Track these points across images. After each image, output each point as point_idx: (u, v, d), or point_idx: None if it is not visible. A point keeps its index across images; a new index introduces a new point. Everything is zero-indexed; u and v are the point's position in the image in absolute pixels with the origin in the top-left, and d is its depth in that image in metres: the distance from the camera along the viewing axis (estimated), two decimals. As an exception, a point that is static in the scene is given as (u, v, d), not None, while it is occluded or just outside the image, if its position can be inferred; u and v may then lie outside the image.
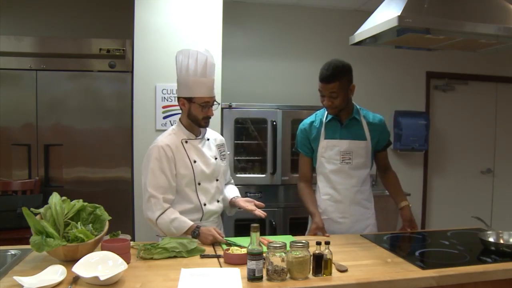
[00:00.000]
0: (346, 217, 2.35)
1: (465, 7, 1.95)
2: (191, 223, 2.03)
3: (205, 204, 2.15)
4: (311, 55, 4.38)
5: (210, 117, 2.12)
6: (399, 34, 1.97)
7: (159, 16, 3.24)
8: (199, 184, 2.13)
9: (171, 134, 2.15)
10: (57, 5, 3.87)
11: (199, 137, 2.18)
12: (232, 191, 2.33)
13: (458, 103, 4.91)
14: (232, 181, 2.46)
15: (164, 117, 3.28)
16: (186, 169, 2.10)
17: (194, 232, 2.01)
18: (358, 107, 2.39)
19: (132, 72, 3.30)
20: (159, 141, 2.11)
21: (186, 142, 2.14)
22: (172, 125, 3.27)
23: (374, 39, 2.13)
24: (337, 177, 2.34)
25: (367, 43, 2.22)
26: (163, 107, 3.27)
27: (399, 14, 1.81)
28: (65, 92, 3.32)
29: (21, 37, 3.28)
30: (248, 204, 2.18)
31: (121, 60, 3.34)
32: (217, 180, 2.20)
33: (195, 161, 2.12)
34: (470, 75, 4.88)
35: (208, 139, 2.23)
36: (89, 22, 3.88)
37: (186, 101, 2.09)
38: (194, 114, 2.09)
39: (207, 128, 2.25)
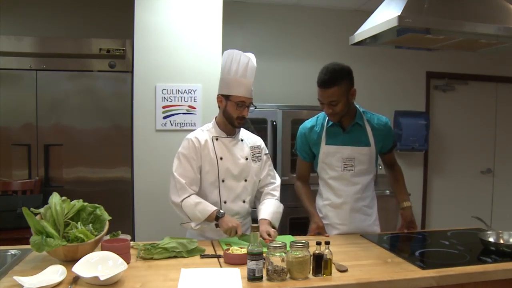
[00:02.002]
0: (345, 224, 2.28)
1: (465, 7, 1.95)
2: (215, 208, 2.08)
3: (225, 202, 2.16)
4: (311, 55, 4.38)
5: (244, 118, 2.15)
6: (399, 34, 1.97)
7: (159, 16, 3.23)
8: (222, 181, 2.16)
9: (203, 130, 2.23)
10: (57, 5, 3.87)
11: (232, 136, 2.21)
12: (266, 210, 2.18)
13: (458, 103, 4.92)
14: (276, 183, 2.33)
15: (164, 117, 3.27)
16: (211, 165, 2.15)
17: (220, 213, 2.05)
18: (361, 110, 2.30)
19: (132, 72, 3.29)
20: (190, 134, 2.21)
21: (217, 139, 2.19)
22: (172, 125, 3.33)
23: (374, 39, 2.13)
24: (338, 184, 2.28)
25: (367, 43, 2.21)
26: (163, 107, 3.26)
27: (399, 14, 1.81)
28: (65, 92, 3.31)
29: (21, 37, 3.27)
30: (264, 233, 2.02)
31: (121, 60, 3.34)
32: (245, 180, 2.21)
33: (221, 158, 2.16)
34: (470, 75, 4.88)
35: (242, 140, 2.25)
36: (89, 22, 3.88)
37: (223, 98, 2.16)
38: (229, 112, 2.14)
39: (245, 130, 2.31)
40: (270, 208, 2.20)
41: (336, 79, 2.09)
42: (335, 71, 2.10)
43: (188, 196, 2.09)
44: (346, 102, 2.15)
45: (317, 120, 2.34)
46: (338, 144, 2.25)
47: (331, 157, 2.27)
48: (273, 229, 2.05)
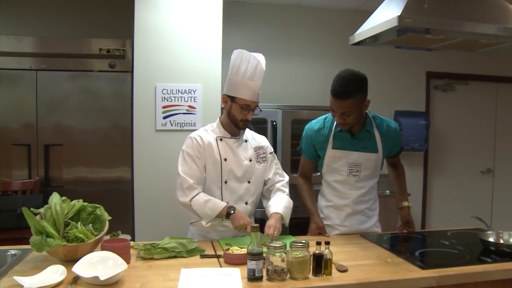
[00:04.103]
0: (347, 226, 2.28)
1: (465, 7, 1.95)
2: (225, 203, 2.06)
3: (227, 203, 2.14)
4: (311, 55, 4.38)
5: (248, 120, 2.13)
6: (399, 34, 1.96)
7: (159, 16, 3.23)
8: (225, 182, 2.15)
9: (207, 131, 2.20)
10: (57, 5, 3.87)
11: (236, 137, 2.20)
12: (276, 205, 2.17)
13: (458, 103, 4.92)
14: (285, 180, 2.32)
15: (164, 117, 3.27)
16: (214, 165, 2.13)
17: (230, 209, 2.04)
18: (371, 115, 2.26)
19: (132, 72, 3.29)
20: (194, 133, 2.18)
21: (221, 140, 2.17)
22: (172, 125, 3.33)
23: (374, 39, 2.13)
24: (342, 187, 2.26)
25: (367, 43, 2.21)
26: (163, 107, 3.26)
27: (399, 14, 1.80)
28: (65, 92, 3.31)
29: (21, 37, 3.27)
30: (270, 228, 2.03)
31: (121, 60, 3.34)
32: (249, 182, 2.19)
33: (225, 159, 2.14)
34: (470, 75, 4.89)
35: (246, 141, 2.24)
36: (89, 22, 3.88)
37: (229, 99, 2.13)
38: (233, 113, 2.12)
39: (249, 131, 2.29)
40: (282, 202, 2.19)
41: (352, 92, 2.03)
42: (351, 83, 2.04)
43: (197, 194, 2.07)
44: (359, 114, 2.12)
45: (324, 123, 2.29)
46: (345, 148, 2.22)
47: (337, 161, 2.24)
48: (277, 229, 2.03)
